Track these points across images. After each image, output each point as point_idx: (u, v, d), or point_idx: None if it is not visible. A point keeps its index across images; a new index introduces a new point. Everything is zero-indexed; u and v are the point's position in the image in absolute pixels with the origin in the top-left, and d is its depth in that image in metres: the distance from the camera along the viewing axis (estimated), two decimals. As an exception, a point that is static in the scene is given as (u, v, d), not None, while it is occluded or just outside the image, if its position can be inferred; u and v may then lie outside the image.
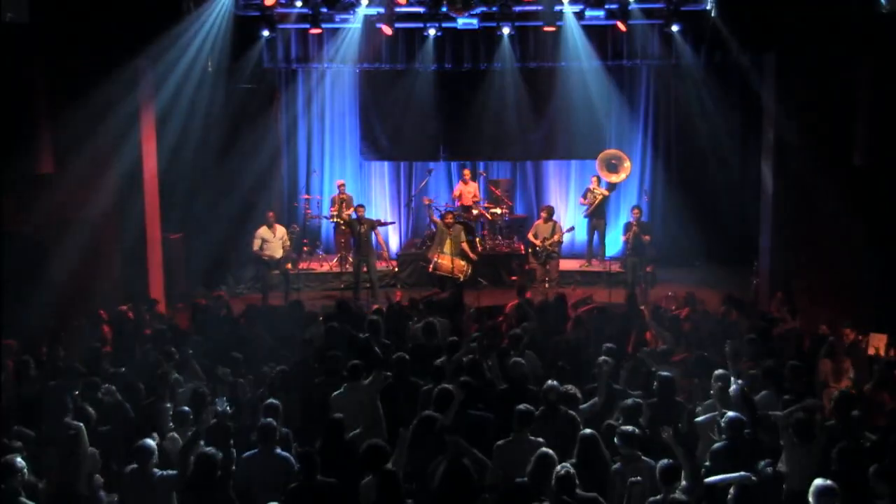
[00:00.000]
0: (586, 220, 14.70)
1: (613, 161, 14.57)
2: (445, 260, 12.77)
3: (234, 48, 12.85)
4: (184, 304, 12.52)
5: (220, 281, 13.91)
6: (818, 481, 5.37)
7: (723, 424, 6.40)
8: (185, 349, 8.50)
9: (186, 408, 7.01)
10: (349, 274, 13.63)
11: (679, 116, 15.10)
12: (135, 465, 6.02)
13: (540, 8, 12.56)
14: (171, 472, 6.05)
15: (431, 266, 12.96)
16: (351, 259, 13.73)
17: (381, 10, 12.62)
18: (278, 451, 6.31)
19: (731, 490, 5.51)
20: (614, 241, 14.85)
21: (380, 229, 14.10)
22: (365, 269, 13.05)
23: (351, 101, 15.71)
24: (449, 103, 15.03)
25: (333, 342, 8.69)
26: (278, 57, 14.02)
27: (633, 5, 12.44)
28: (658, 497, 5.58)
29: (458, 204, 14.75)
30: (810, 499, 5.33)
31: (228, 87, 13.75)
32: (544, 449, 5.82)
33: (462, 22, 13.05)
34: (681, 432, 6.36)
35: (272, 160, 15.26)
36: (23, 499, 5.68)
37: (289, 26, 13.35)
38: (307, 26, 12.89)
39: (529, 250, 14.16)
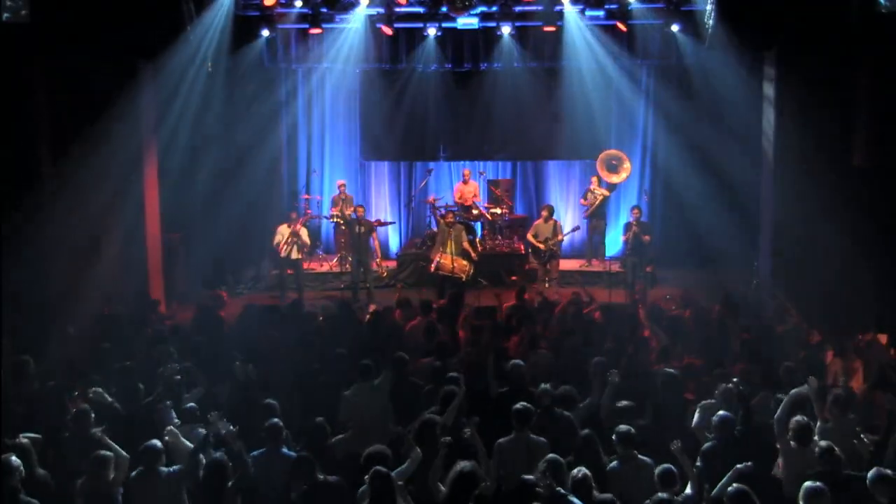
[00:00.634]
0: (586, 221, 14.70)
1: (613, 161, 14.56)
2: (447, 260, 12.78)
3: (234, 48, 12.85)
4: (181, 304, 12.48)
5: (220, 281, 13.90)
6: (808, 483, 5.42)
7: (713, 423, 6.42)
8: (186, 365, 8.11)
9: (193, 404, 7.01)
10: (349, 274, 13.63)
11: (679, 116, 15.08)
12: (141, 468, 6.01)
13: (540, 8, 12.57)
14: (175, 467, 6.07)
15: (433, 266, 12.95)
16: (351, 259, 13.72)
17: (381, 10, 12.63)
18: (285, 450, 6.33)
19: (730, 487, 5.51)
20: (614, 241, 14.84)
21: (379, 230, 14.06)
22: (362, 270, 13.05)
23: (351, 101, 15.66)
24: (449, 103, 15.00)
25: (336, 342, 8.67)
26: (278, 57, 14.05)
27: (633, 5, 12.45)
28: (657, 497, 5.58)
29: (455, 200, 14.73)
30: (800, 501, 5.35)
31: (228, 88, 13.74)
32: (552, 455, 5.79)
33: (462, 22, 13.06)
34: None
35: (272, 160, 15.23)
36: (23, 496, 5.68)
37: (289, 26, 13.36)
38: (307, 26, 12.90)
39: (530, 250, 14.15)
